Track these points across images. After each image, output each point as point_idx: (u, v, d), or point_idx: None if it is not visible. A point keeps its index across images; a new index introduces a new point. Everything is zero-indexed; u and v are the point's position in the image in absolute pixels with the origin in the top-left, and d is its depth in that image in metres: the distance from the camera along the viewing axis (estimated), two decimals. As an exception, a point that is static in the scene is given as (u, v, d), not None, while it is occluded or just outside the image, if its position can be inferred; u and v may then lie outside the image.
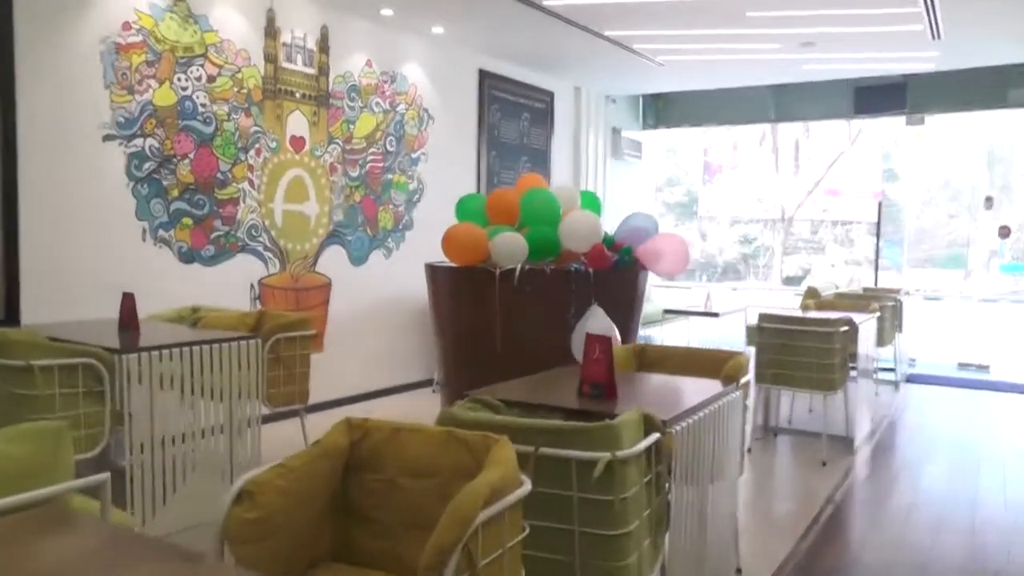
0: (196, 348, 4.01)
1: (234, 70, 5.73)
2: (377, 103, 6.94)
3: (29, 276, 4.66)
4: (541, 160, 9.04)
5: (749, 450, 5.40)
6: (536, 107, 8.90)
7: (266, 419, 5.09)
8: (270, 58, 5.99)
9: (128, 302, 4.39)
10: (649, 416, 2.52)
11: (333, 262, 6.59)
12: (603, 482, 2.23)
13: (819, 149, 12.61)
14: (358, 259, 6.84)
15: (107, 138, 4.99)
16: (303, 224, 6.33)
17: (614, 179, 10.37)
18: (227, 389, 4.17)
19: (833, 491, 4.79)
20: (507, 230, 5.11)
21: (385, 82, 7.01)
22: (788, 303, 8.17)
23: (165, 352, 3.88)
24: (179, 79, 5.37)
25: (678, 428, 2.66)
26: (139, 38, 5.13)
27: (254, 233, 5.93)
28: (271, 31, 5.99)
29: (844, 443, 5.71)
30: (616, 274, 5.08)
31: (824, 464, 5.30)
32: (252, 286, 5.96)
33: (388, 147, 7.07)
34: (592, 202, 5.77)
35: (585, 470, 2.24)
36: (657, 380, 3.49)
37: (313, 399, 6.30)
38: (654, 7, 6.46)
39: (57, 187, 4.77)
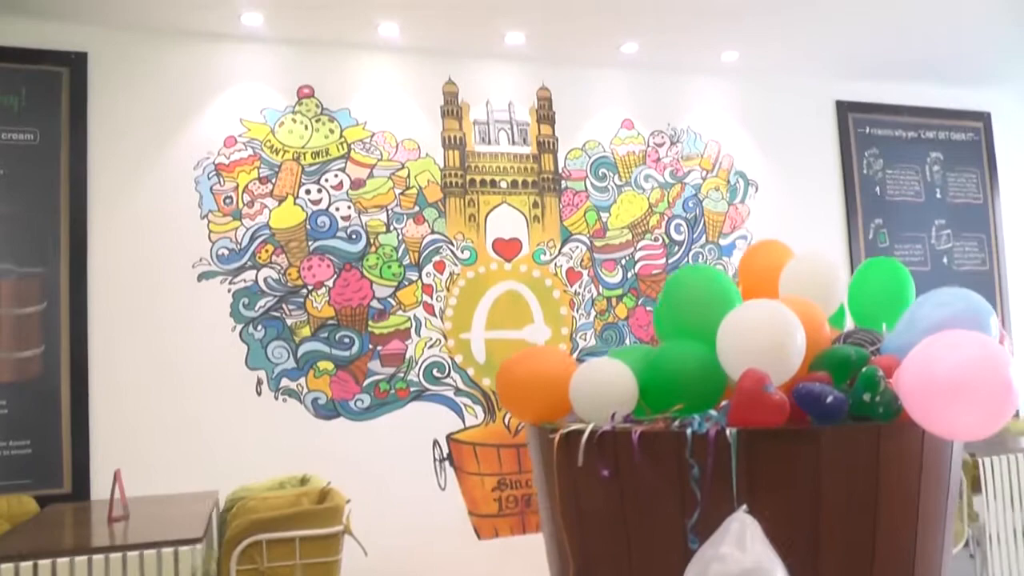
0: (79, 560, 2.78)
1: (394, 168, 4.48)
2: (648, 176, 4.93)
3: (106, 444, 3.96)
4: (975, 220, 5.63)
5: None
6: (955, 140, 5.63)
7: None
8: (453, 144, 4.59)
9: (117, 483, 3.37)
10: None
11: (582, 405, 4.66)
12: None
13: None
14: (629, 398, 4.78)
15: (205, 276, 4.16)
16: (523, 356, 4.61)
17: None
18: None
19: None
20: (638, 353, 2.76)
21: (660, 145, 4.97)
22: None
23: (26, 566, 2.73)
24: (307, 192, 4.33)
25: None
26: (247, 152, 4.26)
27: (436, 374, 4.45)
28: (451, 110, 4.61)
29: None
30: (809, 441, 2.30)
31: None
32: (436, 444, 4.44)
33: (674, 234, 4.95)
34: (888, 283, 2.89)
35: None
36: None
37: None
38: None
39: (139, 341, 4.04)
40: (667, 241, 4.93)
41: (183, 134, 4.20)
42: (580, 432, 2.53)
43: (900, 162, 5.48)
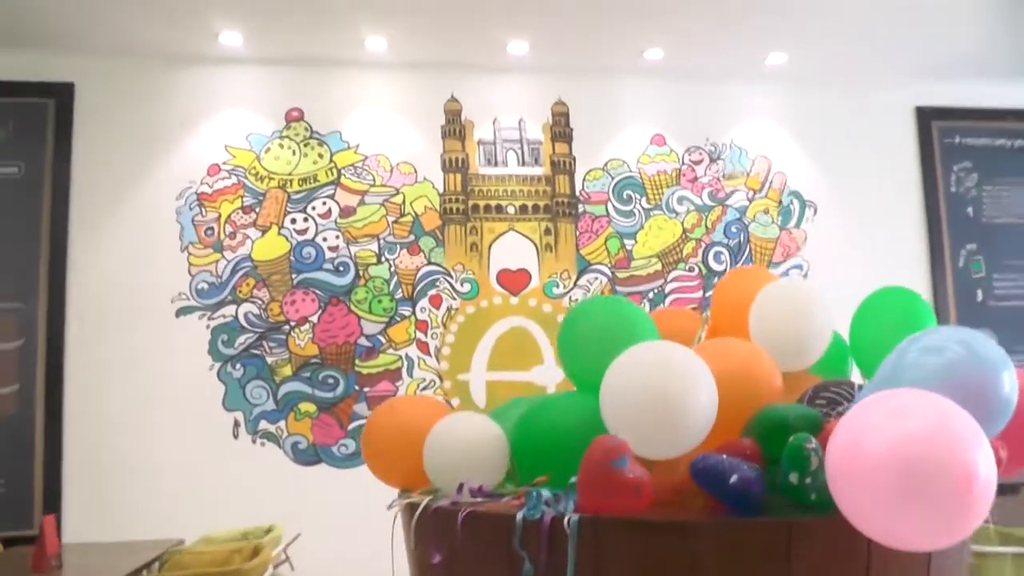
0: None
1: (388, 194, 4.12)
2: (682, 198, 4.33)
3: (78, 485, 3.78)
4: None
5: None
6: (1075, 148, 4.66)
7: None
8: (454, 166, 4.19)
9: (47, 529, 3.13)
10: None
11: (600, 458, 4.10)
12: None
13: None
14: (656, 451, 4.18)
15: (183, 311, 3.93)
16: (531, 401, 4.12)
17: None
18: None
19: None
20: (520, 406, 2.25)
21: (697, 162, 4.37)
22: None
23: None
24: (292, 221, 4.04)
25: None
26: (231, 180, 4.03)
27: (430, 420, 4.02)
28: (454, 129, 4.21)
29: None
30: (680, 537, 1.70)
31: None
32: (428, 499, 3.99)
33: (713, 263, 4.32)
34: (897, 319, 2.24)
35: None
36: None
37: None
38: None
39: (115, 379, 3.86)
40: (704, 271, 4.31)
41: (167, 163, 4.02)
42: (414, 507, 2.05)
43: (1001, 176, 4.58)
